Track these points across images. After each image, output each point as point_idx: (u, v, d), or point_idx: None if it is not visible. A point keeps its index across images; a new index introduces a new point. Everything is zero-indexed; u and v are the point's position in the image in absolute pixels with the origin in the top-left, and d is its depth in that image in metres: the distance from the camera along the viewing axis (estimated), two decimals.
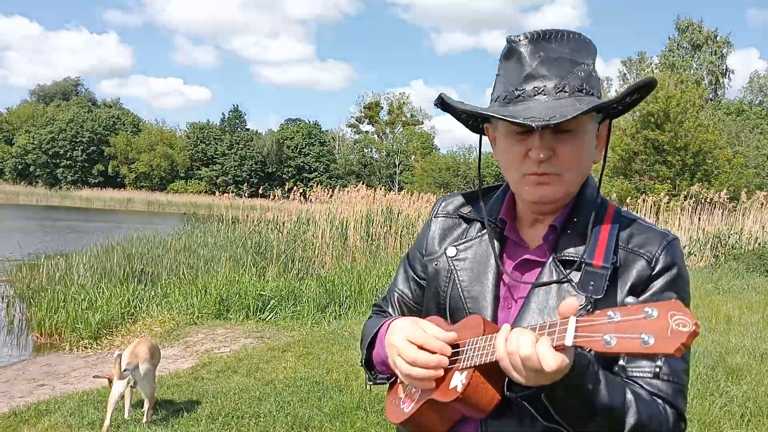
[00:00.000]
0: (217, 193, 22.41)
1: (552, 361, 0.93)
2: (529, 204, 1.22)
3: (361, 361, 1.36)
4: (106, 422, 4.13)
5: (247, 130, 67.79)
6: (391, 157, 63.17)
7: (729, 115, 35.00)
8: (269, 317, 8.05)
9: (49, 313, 7.99)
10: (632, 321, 0.87)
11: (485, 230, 1.27)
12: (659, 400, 1.10)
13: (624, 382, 1.09)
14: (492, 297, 1.21)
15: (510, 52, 1.17)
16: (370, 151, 66.02)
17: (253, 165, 62.88)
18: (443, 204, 1.40)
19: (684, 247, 13.25)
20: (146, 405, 4.32)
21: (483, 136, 1.32)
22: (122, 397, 4.28)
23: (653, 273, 1.15)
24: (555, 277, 1.16)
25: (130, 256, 10.21)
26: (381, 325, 1.30)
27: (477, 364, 1.06)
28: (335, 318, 8.06)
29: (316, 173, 61.70)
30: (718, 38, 44.28)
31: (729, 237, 13.57)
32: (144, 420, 4.31)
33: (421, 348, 1.12)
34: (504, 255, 1.26)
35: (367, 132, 67.50)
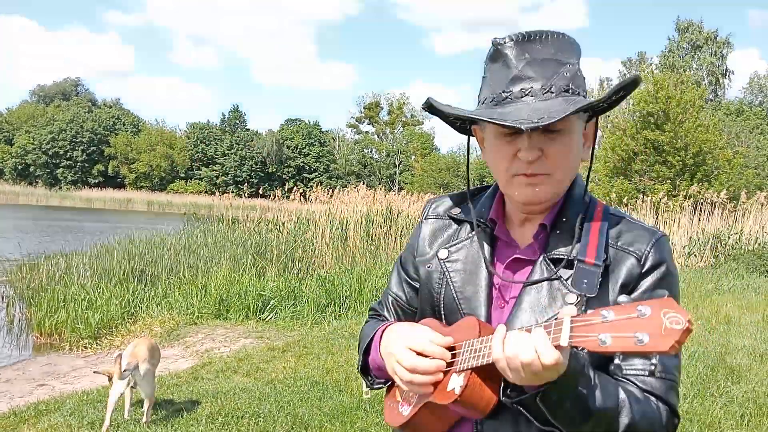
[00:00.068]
0: (217, 193, 22.43)
1: (550, 357, 0.94)
2: (519, 204, 1.23)
3: (358, 368, 1.37)
4: (106, 422, 4.13)
5: (247, 130, 67.80)
6: (391, 158, 63.18)
7: (729, 116, 35.01)
8: (269, 317, 8.06)
9: (49, 313, 7.99)
10: (626, 320, 0.87)
11: (475, 231, 1.28)
12: (652, 398, 1.12)
13: (617, 382, 1.11)
14: (485, 297, 1.22)
15: (495, 55, 1.18)
16: (370, 152, 66.03)
17: (253, 165, 62.90)
18: (433, 206, 1.41)
19: (684, 248, 13.26)
20: (146, 405, 4.32)
21: (471, 138, 1.33)
22: (122, 396, 4.29)
23: (643, 271, 1.16)
24: (546, 275, 1.17)
25: (130, 256, 10.20)
26: (375, 332, 1.31)
27: (474, 366, 1.07)
28: (335, 318, 8.06)
29: (316, 173, 61.72)
30: (718, 39, 44.30)
31: (729, 237, 13.57)
32: (144, 420, 4.31)
33: (419, 354, 1.14)
34: (495, 255, 1.27)
35: (367, 132, 67.52)
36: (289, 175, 62.13)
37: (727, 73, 45.28)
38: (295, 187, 16.49)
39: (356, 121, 67.09)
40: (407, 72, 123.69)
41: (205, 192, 55.97)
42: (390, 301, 1.44)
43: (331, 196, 15.05)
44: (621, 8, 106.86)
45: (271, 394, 4.90)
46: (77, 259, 10.37)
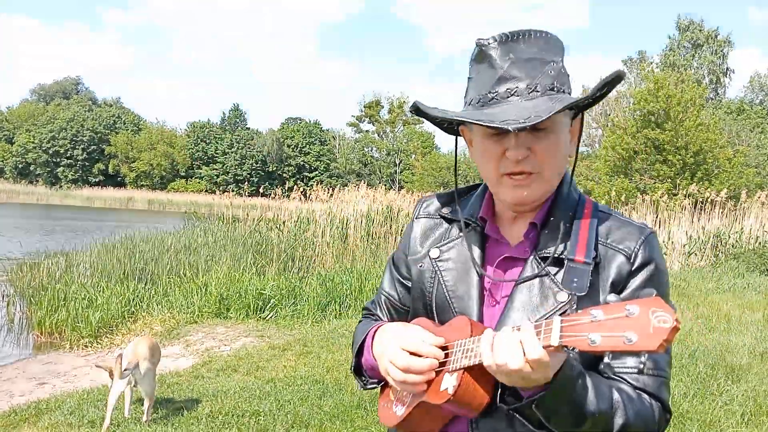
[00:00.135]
0: (217, 192, 22.42)
1: (536, 352, 0.96)
2: (509, 204, 1.24)
3: (351, 369, 1.38)
4: (107, 421, 4.13)
5: (248, 129, 67.77)
6: (392, 156, 63.13)
7: (729, 115, 34.96)
8: (269, 316, 8.06)
9: (50, 311, 8.00)
10: (615, 319, 0.89)
11: (466, 230, 1.29)
12: (645, 395, 1.14)
13: (611, 383, 1.12)
14: (477, 296, 1.23)
15: (480, 55, 1.18)
16: (371, 150, 65.97)
17: (254, 164, 62.87)
18: (424, 205, 1.42)
19: (683, 246, 13.25)
20: (146, 404, 4.32)
21: (459, 137, 1.34)
22: (123, 395, 4.29)
23: (632, 269, 1.17)
24: (537, 274, 1.18)
25: (131, 254, 10.21)
26: (368, 332, 1.32)
27: (466, 366, 1.08)
28: (335, 317, 8.06)
29: (317, 172, 61.70)
30: (718, 37, 44.23)
31: (729, 236, 13.56)
32: (144, 418, 4.31)
33: (412, 354, 1.15)
34: (486, 253, 1.27)
35: (367, 131, 67.45)
36: (290, 173, 62.10)
37: (728, 72, 45.22)
38: (295, 186, 16.51)
39: (356, 119, 67.03)
40: (408, 71, 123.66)
41: (206, 191, 55.98)
42: (383, 301, 1.45)
43: (332, 194, 15.05)
44: (622, 7, 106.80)
45: (271, 392, 4.90)
46: (78, 257, 10.38)
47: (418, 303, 1.32)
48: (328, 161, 63.62)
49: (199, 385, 5.27)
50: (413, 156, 61.30)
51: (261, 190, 20.38)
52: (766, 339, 6.34)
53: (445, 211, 1.36)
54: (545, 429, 1.07)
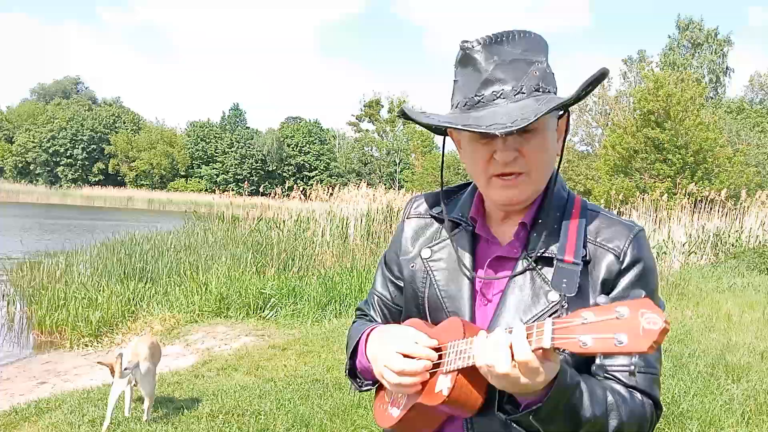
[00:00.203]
0: (217, 191, 22.42)
1: (523, 354, 0.97)
2: (498, 205, 1.25)
3: (346, 371, 1.38)
4: (107, 420, 4.13)
5: (248, 128, 67.77)
6: (392, 156, 63.11)
7: (729, 114, 34.95)
8: (270, 315, 8.05)
9: (50, 311, 7.99)
10: (605, 321, 0.90)
11: (457, 230, 1.30)
12: (637, 393, 1.16)
13: (604, 385, 1.14)
14: (469, 295, 1.24)
15: (465, 58, 1.19)
16: (371, 150, 65.94)
17: (254, 163, 62.87)
18: (414, 205, 1.43)
19: (683, 245, 13.25)
20: (146, 403, 4.32)
21: (447, 137, 1.35)
22: (123, 394, 4.29)
23: (622, 268, 1.18)
24: (528, 274, 1.19)
25: (131, 254, 10.21)
26: (361, 335, 1.33)
27: (460, 367, 1.09)
28: (336, 316, 8.06)
29: (317, 171, 61.71)
30: (718, 36, 44.21)
31: (729, 235, 13.56)
32: (144, 417, 4.31)
33: (406, 356, 1.15)
34: (477, 253, 1.28)
35: (367, 130, 67.43)
36: (290, 173, 62.10)
37: (728, 71, 45.20)
38: (295, 186, 16.50)
39: (356, 119, 67.00)
40: (408, 70, 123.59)
41: (206, 190, 55.99)
42: (376, 301, 1.45)
43: (332, 194, 15.05)
44: (622, 6, 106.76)
45: (271, 392, 4.90)
46: (78, 257, 10.38)
47: (410, 303, 1.33)
48: (328, 160, 63.61)
49: (199, 384, 5.27)
50: (413, 155, 61.27)
51: (261, 190, 20.38)
52: (766, 338, 6.34)
53: (436, 210, 1.36)
54: None
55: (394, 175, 60.80)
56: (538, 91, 1.15)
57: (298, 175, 60.61)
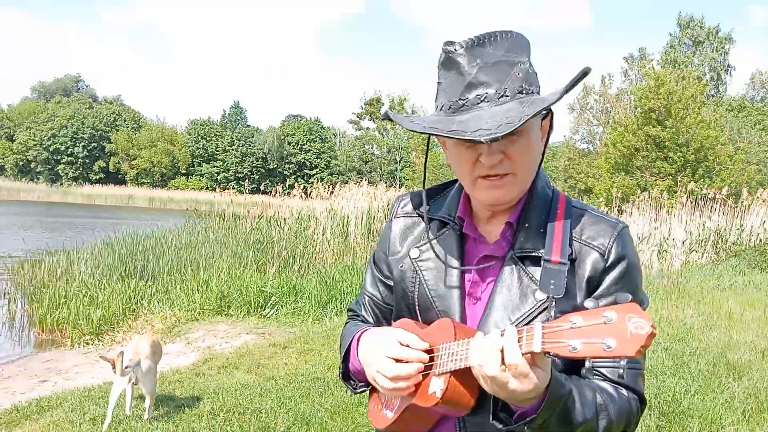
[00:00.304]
0: (218, 189, 22.41)
1: (514, 357, 0.98)
2: (485, 205, 1.26)
3: (339, 374, 1.39)
4: (108, 418, 4.13)
5: (248, 126, 67.76)
6: (392, 154, 63.09)
7: (731, 112, 34.89)
8: (270, 313, 8.05)
9: (51, 309, 8.00)
10: (594, 326, 0.92)
11: (445, 229, 1.31)
12: (623, 390, 1.19)
13: (592, 385, 1.16)
14: (458, 295, 1.26)
15: (448, 61, 1.19)
16: (371, 148, 65.92)
17: (255, 161, 62.87)
18: (402, 203, 1.44)
19: (683, 243, 13.24)
20: (147, 401, 4.32)
21: (431, 138, 1.35)
22: (124, 392, 4.29)
23: (607, 265, 1.21)
24: (515, 273, 1.21)
25: (132, 252, 10.21)
26: (352, 338, 1.34)
27: (452, 369, 1.11)
28: (336, 314, 8.06)
29: (317, 170, 61.69)
30: (719, 34, 44.12)
31: (730, 234, 13.54)
32: (145, 416, 4.32)
33: (398, 361, 1.17)
34: (465, 252, 1.29)
35: (368, 128, 67.40)
36: (291, 171, 62.09)
37: (729, 69, 45.13)
38: (296, 184, 16.48)
39: (357, 117, 66.96)
40: (408, 68, 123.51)
41: (207, 188, 56.01)
42: (367, 301, 1.46)
43: (332, 192, 15.03)
44: (623, 4, 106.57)
45: (272, 390, 4.90)
46: (79, 255, 10.38)
47: (400, 303, 1.34)
48: (328, 159, 63.59)
49: (200, 382, 5.27)
50: (414, 153, 61.25)
51: (262, 188, 20.40)
52: (766, 336, 6.33)
53: (423, 209, 1.37)
54: None
55: (395, 173, 60.77)
56: (522, 93, 1.15)
57: (298, 173, 60.61)
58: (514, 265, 1.21)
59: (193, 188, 58.29)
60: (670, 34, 45.32)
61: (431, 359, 1.16)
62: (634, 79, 40.75)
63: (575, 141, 42.01)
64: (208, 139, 63.82)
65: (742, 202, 14.77)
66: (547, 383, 1.03)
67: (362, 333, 1.32)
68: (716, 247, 13.35)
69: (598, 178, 26.36)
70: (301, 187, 15.64)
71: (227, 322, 7.71)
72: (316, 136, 64.23)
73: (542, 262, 1.19)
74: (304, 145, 63.62)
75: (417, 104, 68.56)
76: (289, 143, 63.88)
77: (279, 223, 12.57)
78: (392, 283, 1.38)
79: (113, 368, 4.18)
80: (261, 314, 8.05)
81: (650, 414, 4.11)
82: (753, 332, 6.50)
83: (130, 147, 62.90)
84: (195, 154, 63.51)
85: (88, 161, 63.58)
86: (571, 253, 1.20)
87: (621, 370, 0.93)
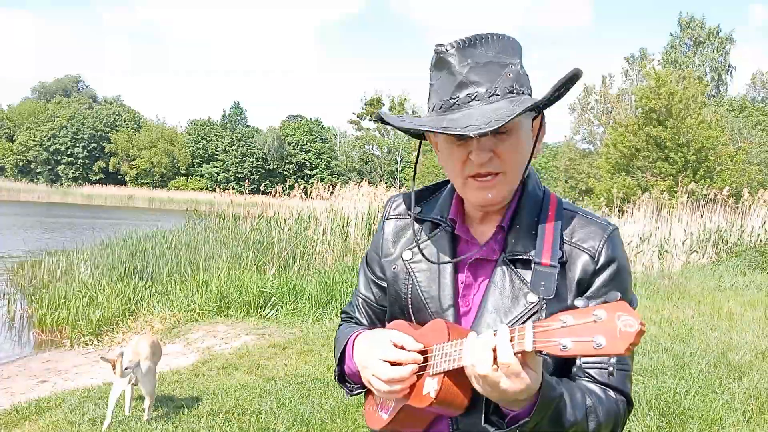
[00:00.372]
0: (218, 189, 22.40)
1: (507, 357, 0.99)
2: (475, 206, 1.27)
3: (335, 377, 1.40)
4: (107, 419, 4.13)
5: (248, 126, 67.78)
6: (393, 154, 63.10)
7: (731, 112, 34.89)
8: (270, 314, 8.04)
9: (50, 309, 7.99)
10: (583, 325, 0.93)
11: (437, 231, 1.32)
12: (611, 391, 1.20)
13: (581, 387, 1.17)
14: (451, 296, 1.26)
15: (439, 62, 1.20)
16: (372, 148, 65.93)
17: (255, 162, 62.88)
18: (394, 205, 1.44)
19: (683, 243, 13.23)
20: (147, 402, 4.31)
21: (423, 141, 1.37)
22: (123, 393, 4.28)
23: (597, 268, 1.22)
24: (507, 276, 1.22)
25: (132, 252, 10.20)
26: (347, 341, 1.35)
27: (446, 370, 1.12)
28: (336, 315, 8.04)
29: (318, 170, 61.70)
30: (720, 34, 44.13)
31: (731, 234, 13.53)
32: (145, 417, 4.31)
33: (393, 363, 1.18)
34: (457, 253, 1.30)
35: (368, 128, 67.42)
36: (291, 171, 62.11)
37: (730, 70, 45.13)
38: (296, 184, 16.47)
39: (357, 117, 66.97)
40: (409, 68, 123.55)
41: (206, 189, 56.03)
42: (360, 303, 1.47)
43: (333, 192, 15.02)
44: (623, 4, 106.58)
45: (272, 391, 4.90)
46: (78, 255, 10.38)
47: (394, 304, 1.35)
48: (329, 159, 63.60)
49: (199, 383, 5.26)
50: (414, 154, 61.24)
51: (262, 188, 20.39)
52: (767, 337, 6.32)
53: (415, 210, 1.37)
54: None
55: (395, 173, 60.79)
56: (512, 93, 1.16)
57: (298, 174, 60.62)
58: (505, 268, 1.22)
59: (193, 189, 58.31)
60: (671, 34, 45.38)
61: (425, 360, 1.17)
62: (634, 79, 40.75)
63: (576, 141, 42.04)
64: (208, 139, 63.85)
65: (743, 202, 14.76)
66: (539, 386, 1.03)
67: (357, 335, 1.32)
68: (717, 247, 13.34)
69: (598, 178, 26.36)
70: (301, 187, 15.62)
71: (227, 323, 7.70)
72: (317, 137, 64.25)
73: (533, 266, 1.19)
74: (304, 145, 63.64)
75: (417, 104, 68.57)
76: (289, 143, 63.90)
77: (279, 223, 12.56)
78: (385, 285, 1.38)
79: (113, 369, 4.18)
80: (261, 315, 8.04)
81: (651, 415, 4.10)
82: (753, 333, 6.50)
83: (130, 147, 62.92)
84: (195, 154, 63.54)
85: (88, 162, 63.61)
86: (562, 256, 1.21)
87: (610, 368, 0.93)
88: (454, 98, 1.17)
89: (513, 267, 1.22)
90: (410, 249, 1.33)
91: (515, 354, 0.99)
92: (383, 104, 67.20)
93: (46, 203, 43.03)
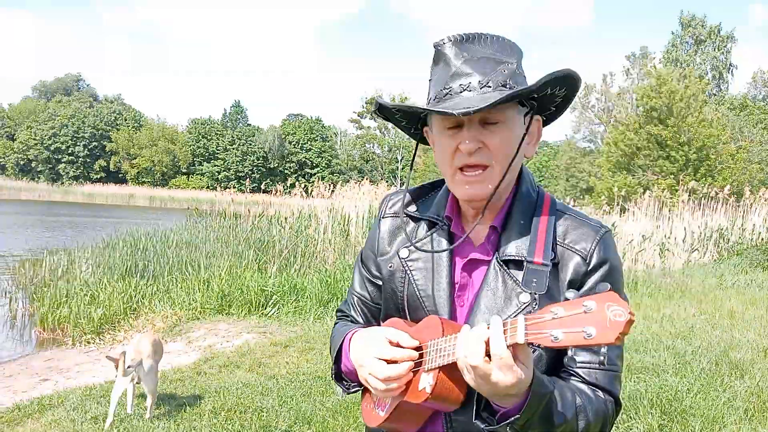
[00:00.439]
0: (219, 188, 22.41)
1: (500, 349, 1.00)
2: (463, 201, 1.28)
3: (332, 376, 1.41)
4: (110, 417, 4.13)
5: (249, 125, 67.77)
6: (393, 153, 63.09)
7: (732, 111, 34.84)
8: (271, 312, 8.05)
9: (52, 308, 8.00)
10: (574, 316, 0.94)
11: (434, 229, 1.33)
12: (599, 392, 1.21)
13: (571, 387, 1.18)
14: (447, 294, 1.27)
15: (437, 56, 1.22)
16: (372, 147, 65.91)
17: (255, 160, 62.88)
18: (390, 203, 1.44)
19: (683, 241, 13.22)
20: (149, 400, 4.32)
21: (420, 144, 1.38)
22: (125, 391, 4.29)
23: (588, 269, 1.23)
24: (500, 277, 1.23)
25: (133, 251, 10.21)
26: (343, 339, 1.35)
27: (441, 365, 1.13)
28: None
29: (318, 169, 61.70)
30: (721, 33, 44.07)
31: (732, 233, 13.52)
32: (147, 415, 4.31)
33: (389, 362, 1.19)
34: (453, 251, 1.31)
35: (369, 127, 67.39)
36: (291, 170, 62.12)
37: (731, 68, 45.08)
38: (297, 183, 16.47)
39: (358, 115, 66.95)
40: (409, 67, 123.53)
41: (207, 187, 56.03)
42: (356, 301, 1.47)
43: (333, 191, 15.02)
44: (624, 3, 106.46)
45: (273, 389, 4.90)
46: (80, 254, 10.39)
47: (389, 302, 1.35)
48: (329, 157, 63.59)
49: (201, 381, 5.27)
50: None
51: (262, 187, 20.39)
52: None
53: (411, 209, 1.38)
54: None
55: (396, 172, 60.78)
56: (505, 87, 1.16)
57: (299, 172, 60.63)
58: (498, 269, 1.23)
59: (193, 187, 58.34)
60: (672, 33, 45.31)
61: (420, 356, 1.18)
62: (636, 77, 40.70)
63: (577, 140, 42.01)
64: (208, 138, 63.85)
65: (744, 200, 14.75)
66: (530, 382, 1.04)
67: (353, 334, 1.33)
68: (718, 246, 13.34)
69: (599, 177, 26.33)
70: (302, 186, 15.62)
71: (228, 321, 7.70)
72: (317, 135, 64.24)
73: (525, 264, 1.21)
74: (304, 144, 63.64)
75: (417, 104, 68.33)
76: (289, 142, 63.90)
77: (280, 222, 12.56)
78: (381, 283, 1.38)
79: (116, 367, 4.18)
80: (262, 313, 8.05)
81: (652, 413, 4.10)
82: (755, 331, 6.49)
83: (131, 146, 62.93)
84: (196, 153, 63.54)
85: (88, 160, 63.63)
86: (554, 257, 1.22)
87: (602, 357, 0.95)
88: (447, 88, 1.18)
89: (506, 268, 1.22)
90: (407, 247, 1.33)
91: (508, 347, 1.00)
92: None
93: (47, 202, 43.05)
